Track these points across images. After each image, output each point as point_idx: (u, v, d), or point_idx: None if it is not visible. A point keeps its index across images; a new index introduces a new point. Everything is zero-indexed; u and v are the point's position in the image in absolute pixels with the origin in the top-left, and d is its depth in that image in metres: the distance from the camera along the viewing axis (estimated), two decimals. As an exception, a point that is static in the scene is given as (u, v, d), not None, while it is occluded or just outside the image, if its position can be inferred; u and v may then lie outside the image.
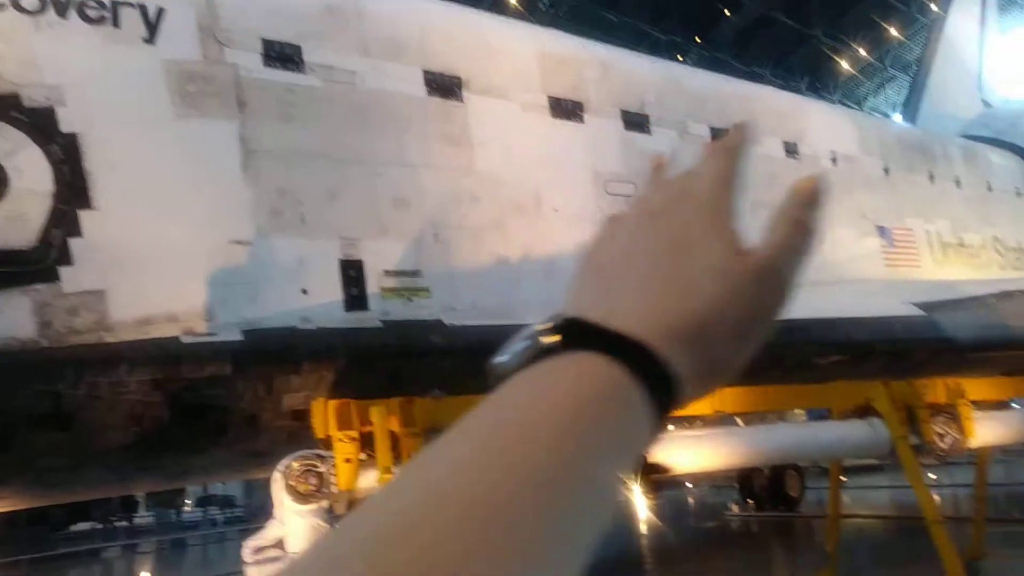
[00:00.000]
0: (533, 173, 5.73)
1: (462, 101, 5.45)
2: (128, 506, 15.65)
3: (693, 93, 7.21)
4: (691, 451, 4.50)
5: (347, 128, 4.87)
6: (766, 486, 11.97)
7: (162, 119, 4.14)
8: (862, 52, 27.33)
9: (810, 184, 0.57)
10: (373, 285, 4.69)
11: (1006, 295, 7.58)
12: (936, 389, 5.43)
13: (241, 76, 4.47)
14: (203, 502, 18.34)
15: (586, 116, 6.21)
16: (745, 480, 12.48)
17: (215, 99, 4.33)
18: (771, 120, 7.84)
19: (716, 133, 7.18)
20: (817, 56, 27.69)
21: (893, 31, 26.26)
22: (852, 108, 29.28)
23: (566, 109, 6.07)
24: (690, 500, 16.25)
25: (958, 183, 10.07)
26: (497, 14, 21.71)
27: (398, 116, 5.12)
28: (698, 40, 25.80)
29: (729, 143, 0.60)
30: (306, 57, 4.78)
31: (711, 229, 0.53)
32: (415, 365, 4.59)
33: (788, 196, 0.58)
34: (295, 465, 3.45)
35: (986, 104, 14.64)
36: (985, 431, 5.47)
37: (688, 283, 0.50)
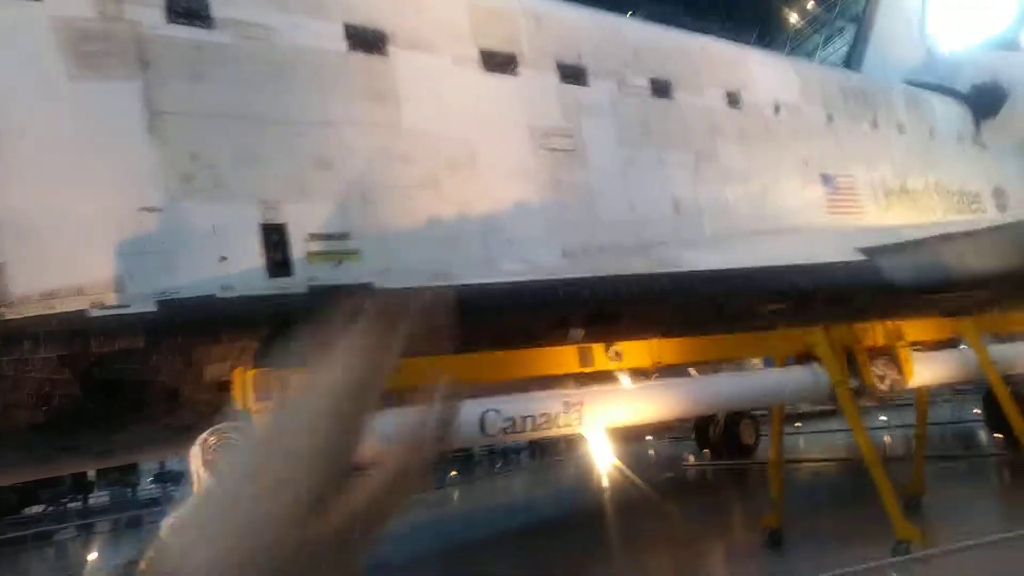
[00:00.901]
0: (467, 129, 5.56)
1: (387, 56, 5.24)
2: (81, 487, 15.33)
3: (632, 44, 7.06)
4: (629, 404, 4.46)
5: (263, 87, 4.64)
6: (721, 436, 12.14)
7: (55, 82, 3.88)
8: (810, 5, 27.32)
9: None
10: (298, 250, 4.51)
11: (946, 238, 7.65)
12: (875, 332, 5.45)
13: (142, 33, 4.22)
14: (161, 478, 18.05)
15: (520, 69, 6.04)
16: (701, 430, 12.64)
17: (114, 58, 4.08)
18: (713, 70, 7.75)
19: (656, 84, 7.07)
20: (767, 9, 27.64)
21: (840, -18, 26.30)
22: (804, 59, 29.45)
23: (499, 62, 5.89)
24: (651, 452, 16.47)
25: (901, 129, 10.12)
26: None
27: (318, 73, 4.90)
28: (647, -4, 25.48)
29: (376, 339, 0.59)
30: (214, 12, 4.52)
31: (298, 481, 0.54)
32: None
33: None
34: (211, 438, 3.30)
35: (930, 52, 14.73)
36: (923, 371, 5.53)
37: (259, 544, 0.51)
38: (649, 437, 17.84)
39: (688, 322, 6.02)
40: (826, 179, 8.59)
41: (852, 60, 14.49)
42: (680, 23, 24.26)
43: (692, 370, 6.49)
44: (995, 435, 9.44)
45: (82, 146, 3.91)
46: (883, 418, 13.01)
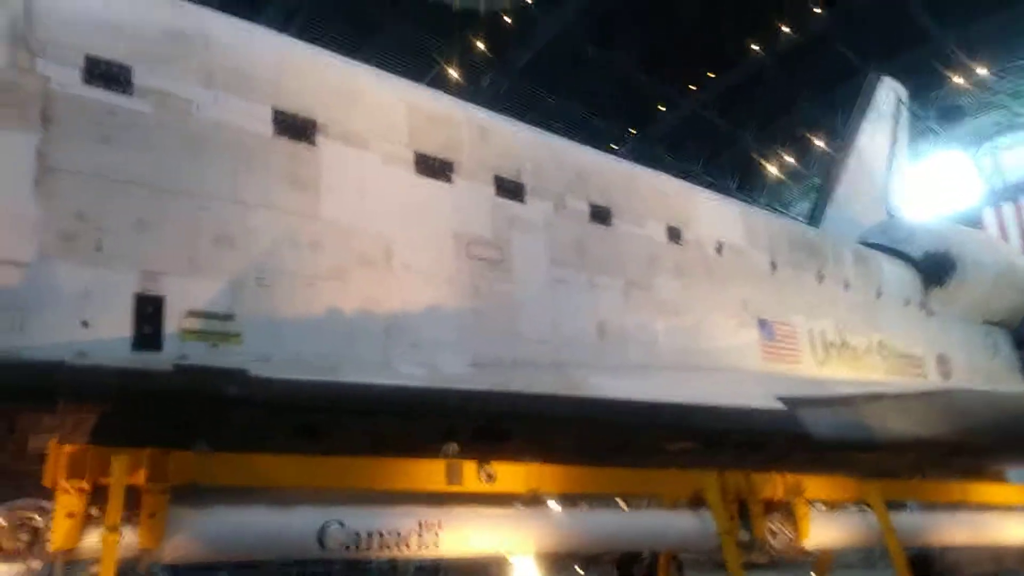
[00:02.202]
0: (386, 226, 5.52)
1: (315, 144, 5.25)
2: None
3: (576, 167, 7.18)
4: (493, 531, 4.19)
5: (175, 157, 4.60)
6: (645, 573, 11.59)
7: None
8: (789, 159, 28.46)
9: None
10: (173, 325, 4.34)
11: (874, 397, 7.57)
12: (775, 484, 5.27)
13: (52, 90, 4.19)
14: None
15: (455, 177, 6.08)
16: (625, 565, 12.09)
17: (13, 109, 4.03)
18: (656, 202, 7.86)
19: (595, 209, 7.14)
20: (746, 158, 28.76)
21: (818, 142, 27.46)
22: (780, 211, 30.42)
23: (433, 167, 5.93)
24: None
25: (847, 285, 10.24)
26: (437, 87, 22.02)
27: (238, 152, 4.88)
28: (633, 131, 26.53)
29: None
30: (136, 80, 4.54)
31: None
32: (200, 415, 4.21)
33: None
34: (3, 517, 3.02)
35: (889, 217, 15.21)
36: (820, 531, 5.30)
37: None
38: (576, 567, 17.07)
39: (586, 451, 5.81)
40: (763, 324, 8.59)
41: (814, 215, 14.93)
42: (663, 163, 25.12)
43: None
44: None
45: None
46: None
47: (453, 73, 21.84)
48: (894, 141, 16.89)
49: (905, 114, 17.72)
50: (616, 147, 26.49)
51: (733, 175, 30.23)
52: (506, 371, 5.73)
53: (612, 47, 22.89)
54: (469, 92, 22.59)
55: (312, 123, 5.25)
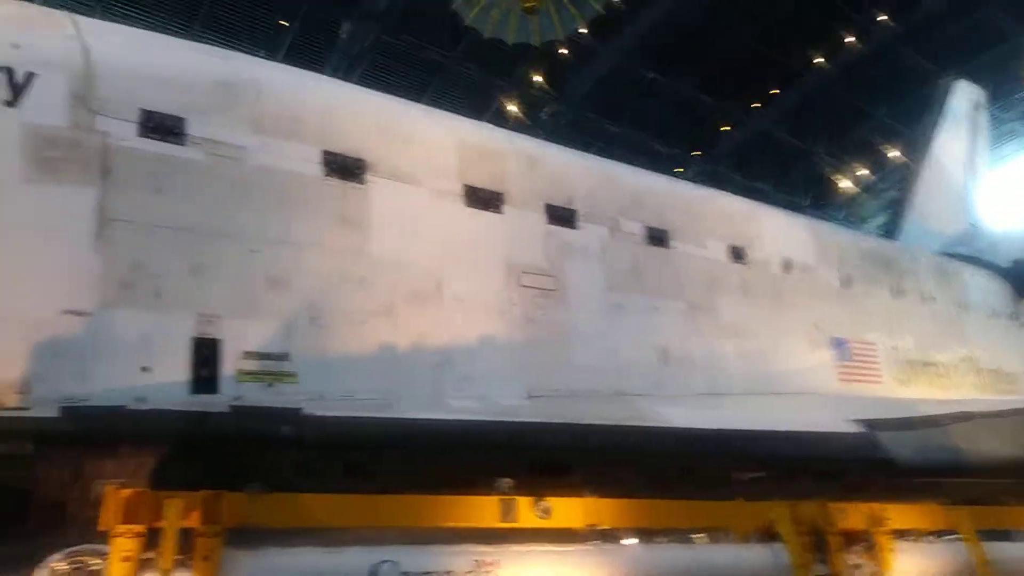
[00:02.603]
0: (436, 260, 5.53)
1: (363, 183, 5.32)
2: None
3: (630, 191, 7.08)
4: (553, 570, 4.05)
5: (226, 203, 4.73)
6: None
7: (8, 182, 4.01)
8: (864, 171, 27.50)
9: None
10: (229, 367, 4.42)
11: (963, 416, 7.10)
12: (854, 514, 4.95)
13: (110, 144, 4.38)
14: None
15: (505, 207, 6.06)
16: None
17: (75, 165, 4.22)
18: (716, 222, 7.66)
19: (652, 232, 7.00)
20: (819, 174, 27.94)
21: (893, 153, 26.45)
22: (856, 226, 29.37)
23: (483, 199, 5.93)
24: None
25: (927, 299, 9.74)
26: (498, 123, 22.31)
27: (286, 194, 4.98)
28: (698, 153, 26.15)
29: None
30: (189, 130, 4.70)
31: None
32: (255, 455, 4.25)
33: None
34: (61, 564, 3.08)
35: (971, 226, 14.46)
36: (907, 564, 4.94)
37: None
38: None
39: (652, 483, 5.61)
40: (837, 344, 8.22)
41: (891, 228, 14.32)
42: (732, 183, 24.69)
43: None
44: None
45: (21, 245, 3.98)
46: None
47: (513, 108, 22.03)
48: (973, 147, 16.10)
49: (984, 118, 16.89)
50: (681, 170, 26.19)
51: (806, 192, 29.42)
52: (562, 402, 5.62)
53: (671, 70, 22.72)
54: (530, 126, 22.80)
55: (360, 162, 5.33)
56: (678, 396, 6.33)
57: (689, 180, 25.60)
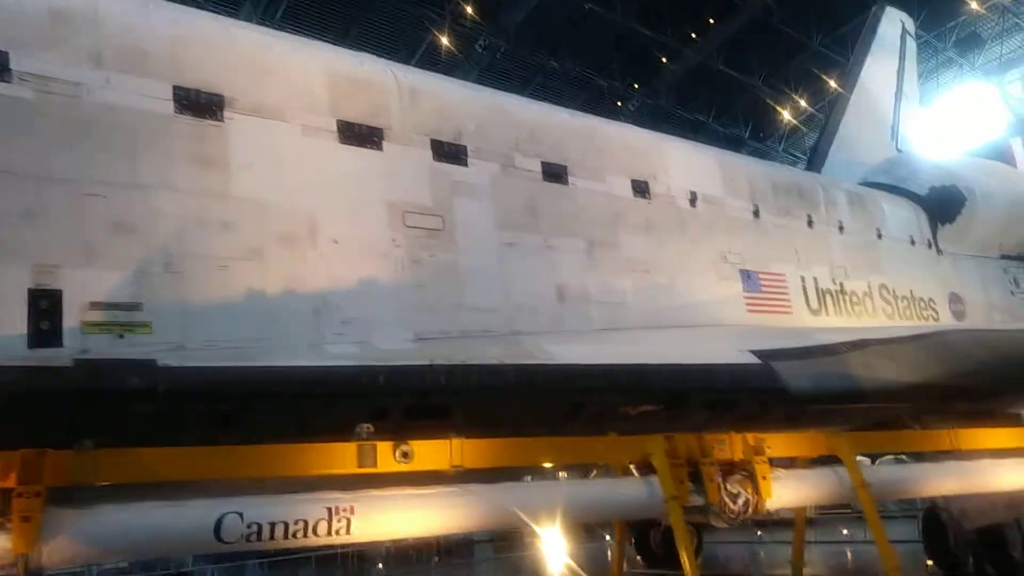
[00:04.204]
0: (309, 201, 5.28)
1: (222, 121, 5.01)
2: None
3: (524, 125, 6.84)
4: (413, 513, 3.99)
5: (62, 145, 4.40)
6: (660, 542, 11.38)
7: None
8: (803, 103, 27.52)
9: None
10: (73, 319, 4.17)
11: (860, 344, 7.17)
12: (732, 444, 4.98)
13: (-84, 82, 4.01)
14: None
15: (385, 144, 5.80)
16: (643, 535, 11.89)
17: None
18: (618, 156, 7.49)
19: (549, 168, 6.81)
20: (759, 105, 27.89)
21: (833, 83, 26.44)
22: (797, 157, 29.54)
23: (359, 135, 5.66)
24: (609, 553, 15.62)
25: (841, 229, 9.78)
26: (431, 57, 21.57)
27: (135, 134, 4.66)
28: (638, 87, 25.84)
29: None
30: (14, 65, 4.32)
31: None
32: (104, 410, 4.05)
33: None
34: None
35: (899, 152, 14.55)
36: (785, 491, 5.01)
37: None
38: (608, 537, 17.01)
39: (538, 421, 5.57)
40: (747, 276, 8.21)
41: (813, 158, 14.34)
42: (673, 116, 24.45)
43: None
44: (928, 563, 8.74)
45: None
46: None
47: (446, 41, 21.37)
48: (901, 75, 16.11)
49: (912, 45, 16.86)
50: (622, 104, 25.91)
51: (746, 124, 29.42)
52: (451, 344, 5.49)
53: (608, 1, 22.20)
54: (464, 59, 22.19)
55: (218, 98, 5.01)
56: (572, 333, 6.26)
57: (631, 114, 25.42)
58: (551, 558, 9.26)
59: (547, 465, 5.94)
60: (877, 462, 7.21)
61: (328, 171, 5.43)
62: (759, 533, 14.76)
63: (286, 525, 3.67)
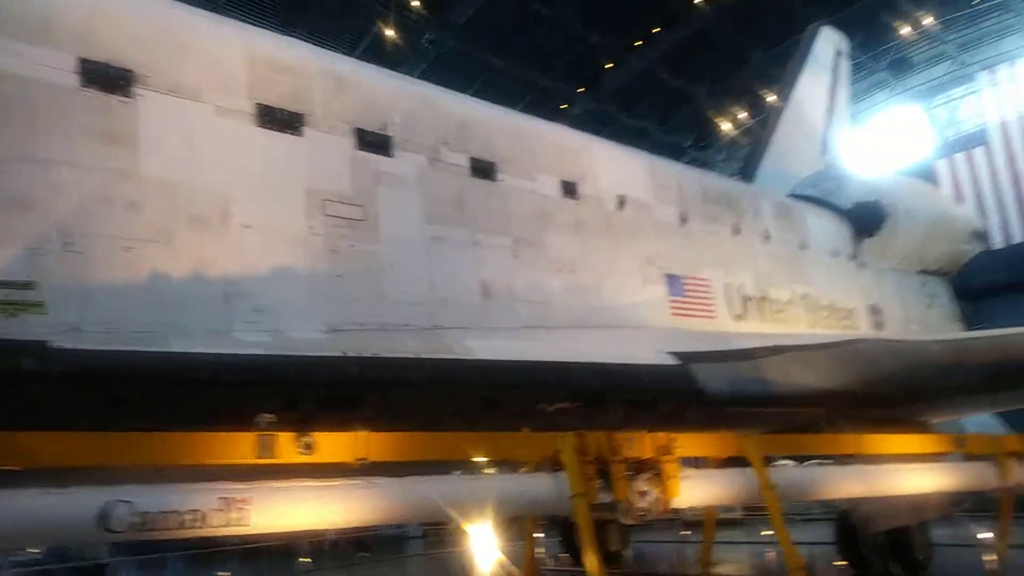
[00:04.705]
0: (222, 184, 5.13)
1: (131, 97, 4.83)
2: None
3: (455, 119, 6.79)
4: (312, 505, 3.89)
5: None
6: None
7: None
8: (743, 115, 28.14)
9: None
10: (-44, 295, 3.95)
11: (776, 349, 7.35)
12: (642, 443, 5.00)
13: None
14: None
15: (306, 130, 5.68)
16: (567, 532, 11.96)
17: None
18: (549, 156, 7.51)
19: (477, 164, 6.78)
20: (701, 115, 28.42)
21: (771, 97, 27.11)
22: (736, 168, 30.16)
23: (279, 119, 5.53)
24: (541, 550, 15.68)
25: (767, 238, 10.00)
26: (375, 50, 21.25)
27: (34, 107, 4.45)
28: (583, 90, 26.05)
29: None
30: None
31: None
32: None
33: None
34: None
35: (828, 168, 14.98)
36: (692, 490, 5.06)
37: None
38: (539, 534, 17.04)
39: (453, 416, 5.52)
40: (672, 280, 8.32)
41: (746, 169, 14.67)
42: (617, 122, 24.61)
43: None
44: (838, 563, 8.99)
45: None
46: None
47: (391, 34, 21.16)
48: (833, 93, 16.61)
49: (845, 65, 17.41)
50: (566, 107, 26.07)
51: (688, 133, 29.94)
52: (368, 336, 5.41)
53: (556, 2, 22.30)
54: (409, 53, 22.01)
55: (127, 73, 4.82)
56: (495, 330, 6.24)
57: (575, 117, 25.58)
58: (480, 554, 9.24)
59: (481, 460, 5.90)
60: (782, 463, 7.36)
61: (243, 154, 5.29)
62: (687, 533, 14.99)
63: (178, 515, 3.53)
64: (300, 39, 6.84)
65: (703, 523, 15.49)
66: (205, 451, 3.82)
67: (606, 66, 25.20)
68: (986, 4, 25.38)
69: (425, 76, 21.67)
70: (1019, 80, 25.46)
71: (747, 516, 16.02)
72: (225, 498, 3.66)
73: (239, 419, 4.10)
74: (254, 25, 5.70)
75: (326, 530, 10.41)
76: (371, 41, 21.68)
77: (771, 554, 12.84)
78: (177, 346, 4.43)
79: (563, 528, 12.18)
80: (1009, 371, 8.03)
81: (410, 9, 20.70)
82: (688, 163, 26.68)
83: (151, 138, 4.83)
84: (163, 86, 4.97)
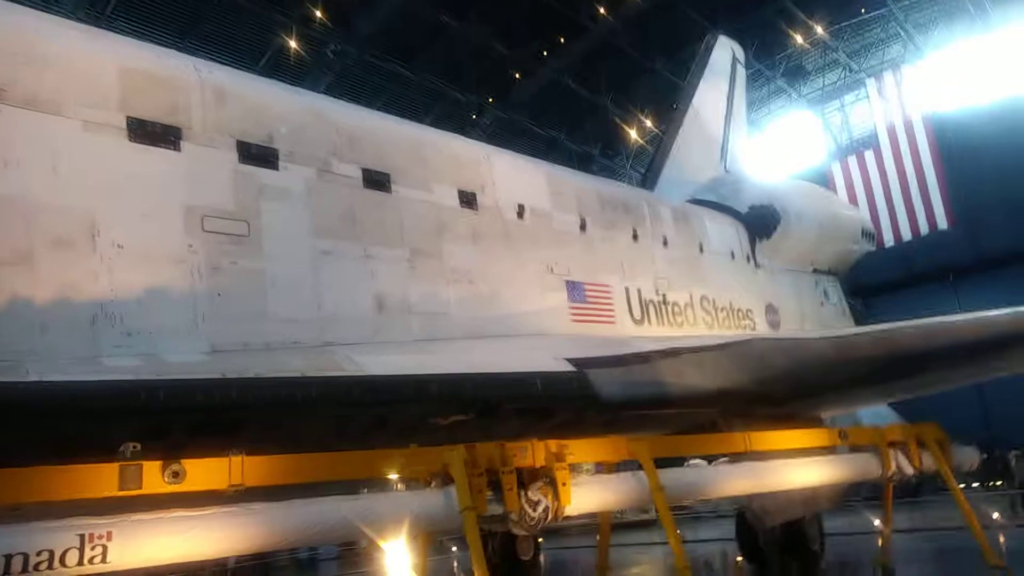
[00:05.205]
0: (89, 202, 4.87)
1: (-13, 114, 4.54)
2: None
3: (346, 130, 6.68)
4: (178, 536, 3.72)
5: None
6: (497, 549, 11.44)
7: None
8: (648, 123, 28.82)
9: None
10: None
11: (671, 352, 7.51)
12: (534, 451, 5.02)
13: None
14: None
15: (184, 144, 5.47)
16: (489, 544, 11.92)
17: None
18: (446, 166, 7.48)
19: (369, 175, 6.68)
20: (609, 124, 28.97)
21: (675, 105, 27.85)
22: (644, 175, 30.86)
23: (153, 133, 5.31)
24: (455, 564, 15.57)
25: (666, 243, 10.23)
26: (280, 62, 20.74)
27: None
28: (492, 101, 26.18)
29: None
30: None
31: None
32: None
33: None
34: None
35: (720, 174, 15.48)
36: (584, 496, 5.11)
37: None
38: (454, 548, 16.95)
39: (341, 434, 5.41)
40: (572, 286, 8.41)
41: (647, 176, 15.03)
42: (527, 133, 24.84)
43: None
44: (738, 559, 9.26)
45: None
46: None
47: (294, 45, 20.76)
48: (731, 100, 17.18)
49: (742, 73, 18.06)
50: (476, 117, 26.14)
51: (596, 141, 30.49)
52: (252, 356, 5.24)
53: (462, 14, 22.35)
54: (313, 65, 21.65)
55: None
56: (388, 344, 6.15)
57: (486, 127, 25.68)
58: (395, 573, 9.08)
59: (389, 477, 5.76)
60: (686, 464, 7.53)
61: (114, 170, 5.05)
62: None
63: (25, 557, 3.32)
64: (199, 51, 6.60)
65: (622, 526, 15.74)
66: (62, 486, 3.62)
67: (515, 76, 25.38)
68: (872, 13, 26.81)
69: (331, 88, 21.45)
70: (903, 86, 26.98)
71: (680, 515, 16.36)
72: (82, 535, 3.48)
73: (102, 450, 3.90)
74: (151, 38, 5.45)
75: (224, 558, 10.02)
76: (274, 53, 21.22)
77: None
78: (33, 375, 4.17)
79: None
80: (890, 363, 8.44)
81: (313, 19, 20.34)
82: (597, 171, 27.26)
83: (8, 156, 4.55)
84: (20, 100, 4.69)
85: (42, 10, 6.61)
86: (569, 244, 8.60)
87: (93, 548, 3.49)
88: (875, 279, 24.40)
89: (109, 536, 3.53)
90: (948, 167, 25.75)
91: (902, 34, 27.88)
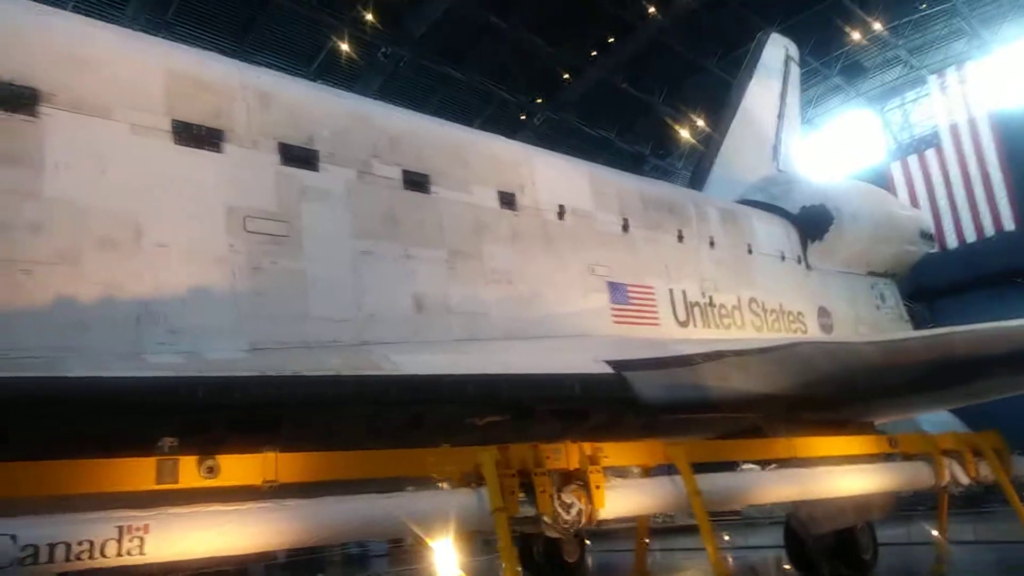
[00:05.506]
0: (135, 203, 5.02)
1: (35, 116, 4.71)
2: None
3: (386, 132, 6.74)
4: (217, 530, 3.79)
5: None
6: (542, 551, 11.40)
7: None
8: (701, 122, 28.36)
9: None
10: None
11: (715, 355, 7.36)
12: (568, 454, 4.98)
13: None
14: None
15: (226, 146, 5.59)
16: (525, 547, 11.89)
17: None
18: (485, 167, 7.49)
19: (410, 176, 6.73)
20: (660, 124, 28.61)
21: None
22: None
23: (197, 136, 5.44)
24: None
25: (712, 243, 10.06)
26: (331, 64, 21.06)
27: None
28: (541, 101, 26.14)
29: None
30: None
31: None
32: None
33: None
34: None
35: (777, 174, 15.15)
36: (619, 500, 5.04)
37: None
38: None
39: (377, 433, 5.45)
40: (614, 288, 8.33)
41: (695, 176, 14.80)
42: (578, 133, 24.70)
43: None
44: (787, 567, 9.03)
45: None
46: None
47: (346, 48, 21.06)
48: (783, 98, 16.82)
49: (795, 70, 17.65)
50: (526, 118, 26.15)
51: (648, 141, 30.17)
52: (289, 355, 5.32)
53: (510, 15, 22.36)
54: (365, 68, 21.94)
55: (31, 91, 4.71)
56: (426, 344, 6.18)
57: (536, 128, 25.67)
58: (444, 571, 9.14)
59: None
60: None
61: (159, 172, 5.19)
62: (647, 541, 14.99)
63: (68, 547, 3.42)
64: (255, 55, 6.76)
65: (665, 530, 15.51)
66: (102, 479, 3.73)
67: (564, 77, 25.29)
68: (934, 9, 25.91)
69: (383, 90, 21.72)
70: (967, 83, 26.02)
71: (715, 522, 16.09)
72: (120, 527, 3.56)
73: (143, 445, 3.99)
74: (209, 41, 5.61)
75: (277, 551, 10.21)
76: (326, 56, 21.57)
77: (729, 560, 12.91)
78: (77, 371, 4.31)
79: (520, 542, 12.11)
80: (943, 369, 8.13)
81: (365, 23, 20.60)
82: (649, 172, 26.99)
83: (57, 159, 4.72)
84: (69, 104, 4.86)
85: (105, 15, 6.83)
86: (611, 245, 8.52)
87: (131, 540, 3.57)
88: (939, 281, 23.54)
89: (147, 529, 3.61)
90: (1014, 166, 24.69)
91: (967, 29, 26.84)
